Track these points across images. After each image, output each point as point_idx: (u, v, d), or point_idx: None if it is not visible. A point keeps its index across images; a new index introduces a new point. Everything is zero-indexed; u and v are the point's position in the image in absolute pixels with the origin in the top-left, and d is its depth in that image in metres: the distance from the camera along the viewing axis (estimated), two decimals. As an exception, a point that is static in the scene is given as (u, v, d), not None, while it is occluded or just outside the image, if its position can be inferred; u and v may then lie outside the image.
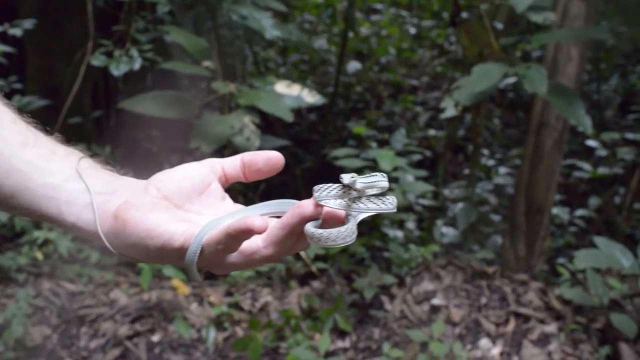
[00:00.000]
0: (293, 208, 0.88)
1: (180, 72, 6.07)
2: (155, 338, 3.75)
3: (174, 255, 0.90)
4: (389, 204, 0.92)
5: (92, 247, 4.43)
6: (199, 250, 0.88)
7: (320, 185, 0.89)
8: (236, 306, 3.99)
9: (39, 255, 4.14)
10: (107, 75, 5.40)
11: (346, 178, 0.87)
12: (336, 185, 0.89)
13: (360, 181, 0.89)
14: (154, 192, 0.97)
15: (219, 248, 0.87)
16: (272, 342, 3.70)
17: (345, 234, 0.86)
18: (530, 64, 3.54)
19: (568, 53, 4.07)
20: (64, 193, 0.96)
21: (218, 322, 3.86)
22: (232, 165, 1.03)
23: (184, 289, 4.04)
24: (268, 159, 1.01)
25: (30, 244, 4.22)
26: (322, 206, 0.88)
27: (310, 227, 0.87)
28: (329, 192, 0.89)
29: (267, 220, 0.85)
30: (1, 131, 0.96)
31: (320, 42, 8.00)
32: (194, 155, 6.23)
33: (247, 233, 0.84)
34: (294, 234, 0.89)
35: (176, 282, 4.06)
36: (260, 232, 0.83)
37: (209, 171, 1.02)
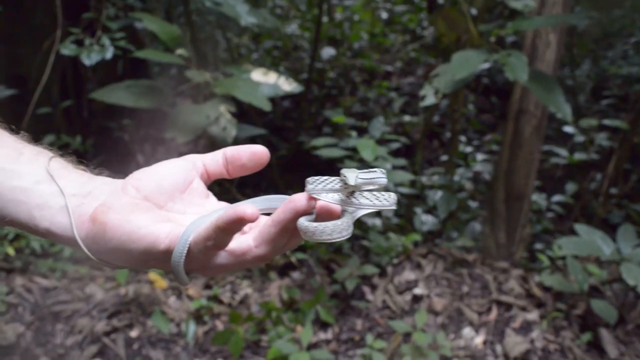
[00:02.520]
0: (285, 203, 0.83)
1: (151, 60, 5.95)
2: (134, 333, 3.67)
3: (159, 258, 0.85)
4: (386, 200, 0.87)
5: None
6: (186, 250, 0.82)
7: (315, 178, 0.84)
8: (215, 299, 3.92)
9: (10, 251, 4.02)
10: (77, 64, 5.25)
11: (351, 178, 0.82)
12: (332, 178, 0.84)
13: (361, 177, 0.83)
14: (132, 192, 0.91)
15: (209, 245, 0.81)
16: (253, 335, 3.65)
17: (341, 228, 0.82)
18: (511, 51, 3.51)
19: (547, 39, 4.05)
20: (35, 196, 0.90)
21: (197, 316, 3.79)
22: (214, 161, 0.98)
23: (162, 283, 3.96)
24: (252, 154, 0.96)
25: (1, 239, 4.09)
26: (315, 200, 0.83)
27: (304, 221, 0.82)
28: (325, 186, 0.84)
29: (257, 209, 0.79)
30: None
31: (292, 28, 7.89)
32: (166, 144, 6.12)
33: (238, 223, 0.78)
34: (287, 231, 0.83)
35: (153, 276, 3.98)
36: (252, 221, 0.78)
37: (190, 168, 0.97)
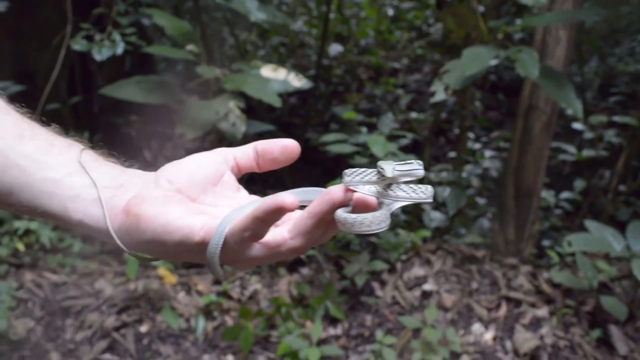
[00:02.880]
0: (322, 194, 0.82)
1: (157, 56, 5.96)
2: (143, 329, 3.67)
3: (193, 250, 0.84)
4: (423, 192, 0.85)
5: (74, 236, 4.33)
6: (222, 241, 0.82)
7: (352, 170, 0.84)
8: (225, 295, 3.92)
9: (20, 246, 4.03)
10: (84, 60, 5.26)
11: (388, 170, 0.81)
12: (369, 170, 0.83)
13: (397, 168, 0.82)
14: (165, 184, 0.91)
15: (245, 235, 0.80)
16: (262, 331, 3.66)
17: (380, 219, 0.80)
18: (522, 47, 3.51)
19: (557, 36, 4.04)
20: (68, 188, 0.90)
21: (207, 312, 3.80)
22: (244, 154, 0.97)
23: (171, 278, 3.96)
24: (283, 148, 0.95)
25: (11, 234, 4.10)
26: (352, 191, 0.82)
27: (342, 213, 0.81)
28: (362, 178, 0.83)
29: (297, 198, 0.79)
30: None
31: (298, 25, 7.89)
32: (173, 140, 6.13)
33: (277, 213, 0.77)
34: (324, 222, 0.82)
35: (162, 271, 3.98)
36: (291, 210, 0.77)
37: (221, 161, 0.96)
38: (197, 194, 0.93)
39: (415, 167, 0.84)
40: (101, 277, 4.00)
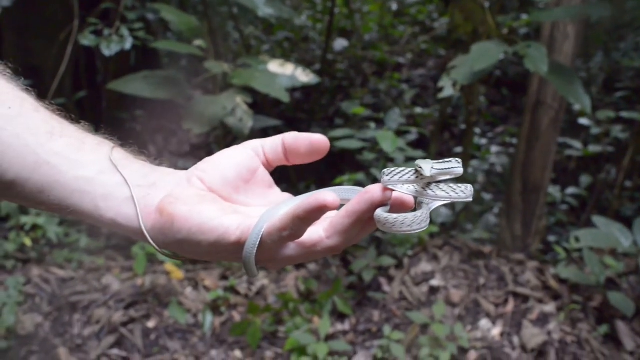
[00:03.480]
0: (361, 194, 0.81)
1: (161, 51, 5.95)
2: (151, 324, 3.68)
3: (228, 250, 0.84)
4: (462, 192, 0.85)
5: (80, 231, 4.33)
6: (259, 241, 0.81)
7: (391, 169, 0.83)
8: (232, 290, 3.93)
9: (27, 241, 4.03)
10: (90, 55, 5.25)
11: (426, 169, 0.80)
12: (408, 169, 0.83)
13: (436, 167, 0.82)
14: (198, 183, 0.91)
15: (284, 235, 0.80)
16: (270, 327, 3.66)
17: (420, 219, 0.80)
18: (530, 42, 3.50)
19: (565, 31, 4.04)
20: (99, 187, 0.89)
21: (214, 307, 3.80)
22: (273, 148, 0.96)
23: (178, 274, 3.97)
24: (311, 145, 0.93)
25: (18, 229, 4.10)
26: (391, 191, 0.81)
27: (382, 213, 0.80)
28: (400, 177, 0.82)
29: (337, 196, 0.78)
30: (24, 120, 0.87)
31: (302, 19, 7.87)
32: (178, 135, 6.13)
33: (319, 211, 0.77)
34: (361, 222, 0.82)
35: (169, 267, 3.98)
36: (333, 209, 0.76)
37: (253, 156, 0.95)
38: (230, 193, 0.92)
39: (454, 165, 0.84)
40: (108, 273, 4.00)
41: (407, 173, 0.82)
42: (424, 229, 0.81)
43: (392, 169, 0.83)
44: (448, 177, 0.84)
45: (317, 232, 0.84)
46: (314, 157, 0.95)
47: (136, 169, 0.93)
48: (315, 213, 0.77)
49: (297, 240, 0.83)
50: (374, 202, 0.80)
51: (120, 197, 0.89)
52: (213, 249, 0.84)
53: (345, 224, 0.82)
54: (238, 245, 0.83)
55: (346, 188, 0.93)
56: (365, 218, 0.82)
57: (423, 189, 0.84)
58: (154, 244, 0.88)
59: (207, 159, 0.95)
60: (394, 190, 0.81)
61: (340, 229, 0.82)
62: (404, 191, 0.82)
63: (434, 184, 0.85)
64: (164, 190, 0.90)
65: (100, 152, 0.92)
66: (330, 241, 0.84)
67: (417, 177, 0.82)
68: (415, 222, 0.80)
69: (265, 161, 0.97)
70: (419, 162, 0.82)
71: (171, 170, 0.95)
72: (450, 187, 0.85)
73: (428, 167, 0.80)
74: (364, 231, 0.86)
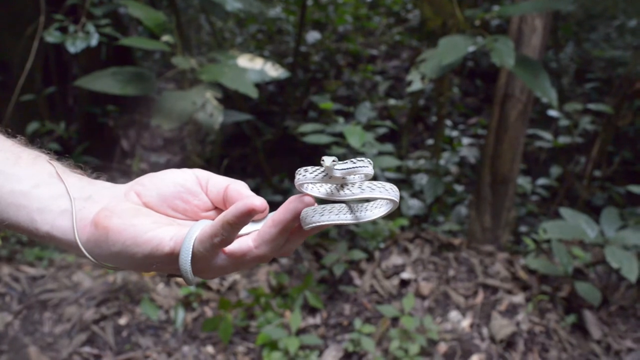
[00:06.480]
0: (285, 203, 0.84)
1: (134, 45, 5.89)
2: (123, 321, 3.67)
3: (163, 261, 0.85)
4: (381, 191, 0.87)
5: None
6: (191, 248, 0.83)
7: (303, 168, 0.86)
8: (204, 286, 3.93)
9: (-3, 240, 4.00)
10: (60, 50, 5.19)
11: (327, 161, 0.82)
12: (318, 168, 0.85)
13: (340, 167, 0.84)
14: (134, 197, 0.92)
15: (215, 242, 0.82)
16: (242, 321, 3.67)
17: (339, 209, 0.86)
18: (497, 36, 3.52)
19: (533, 24, 4.07)
20: (35, 200, 0.90)
21: (186, 303, 3.80)
22: (216, 187, 0.95)
23: (150, 270, 3.95)
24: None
25: (-13, 228, 4.06)
26: (312, 197, 0.84)
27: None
28: (314, 176, 0.85)
29: (264, 201, 0.81)
30: None
31: (276, 11, 7.83)
32: (150, 129, 6.09)
33: (248, 215, 0.79)
34: (287, 231, 0.85)
35: (141, 263, 3.97)
36: (262, 211, 0.79)
37: (195, 181, 0.95)
38: (166, 209, 0.93)
39: (363, 164, 0.85)
40: (79, 270, 3.98)
41: (316, 171, 0.85)
42: (348, 222, 0.86)
43: (305, 167, 0.85)
44: (357, 176, 0.86)
45: (246, 243, 0.86)
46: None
47: (72, 182, 0.93)
48: (244, 217, 0.79)
49: (227, 251, 0.85)
50: (297, 211, 0.83)
51: (55, 210, 0.90)
52: (148, 260, 0.85)
53: (272, 233, 0.85)
54: (172, 256, 0.84)
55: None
56: (290, 227, 0.84)
57: (340, 189, 0.86)
58: (89, 256, 0.89)
59: (150, 174, 0.96)
60: (314, 197, 0.84)
61: (268, 239, 0.85)
62: (320, 191, 0.86)
63: (351, 185, 0.86)
64: (100, 203, 0.90)
65: (36, 166, 0.93)
66: (258, 250, 0.86)
67: (325, 174, 0.84)
68: (333, 212, 0.84)
69: (207, 194, 0.96)
70: (323, 157, 0.83)
71: (109, 184, 0.96)
72: (369, 186, 0.86)
73: (329, 160, 0.82)
74: (292, 242, 0.89)
